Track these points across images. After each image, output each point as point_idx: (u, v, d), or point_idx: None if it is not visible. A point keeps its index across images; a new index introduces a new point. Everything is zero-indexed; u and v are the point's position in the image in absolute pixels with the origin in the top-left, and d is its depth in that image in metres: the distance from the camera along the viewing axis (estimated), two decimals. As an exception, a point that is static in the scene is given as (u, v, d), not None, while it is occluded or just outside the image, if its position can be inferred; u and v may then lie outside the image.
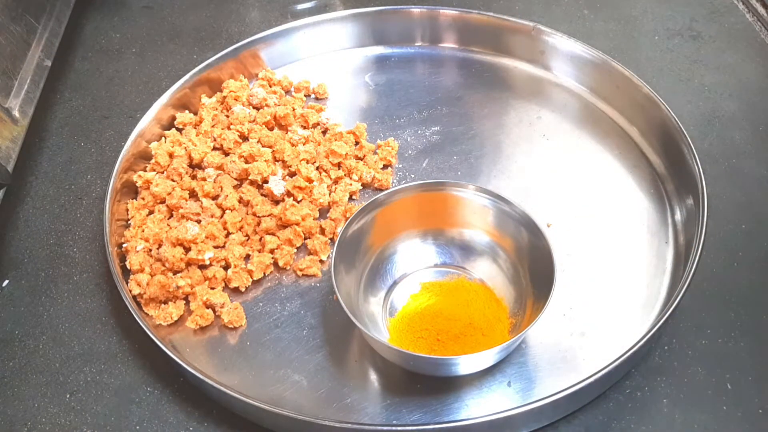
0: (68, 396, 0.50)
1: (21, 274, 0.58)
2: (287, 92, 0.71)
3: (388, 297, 0.54)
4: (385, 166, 0.64)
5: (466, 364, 0.48)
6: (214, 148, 0.64)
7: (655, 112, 0.63)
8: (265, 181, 0.60)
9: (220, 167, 0.62)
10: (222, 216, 0.59)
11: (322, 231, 0.59)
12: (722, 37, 0.76)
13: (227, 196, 0.59)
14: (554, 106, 0.69)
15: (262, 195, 0.60)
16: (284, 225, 0.58)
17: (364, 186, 0.63)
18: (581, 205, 0.61)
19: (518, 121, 0.68)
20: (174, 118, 0.67)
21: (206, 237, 0.56)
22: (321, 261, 0.57)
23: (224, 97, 0.68)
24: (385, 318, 0.53)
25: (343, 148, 0.63)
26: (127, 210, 0.60)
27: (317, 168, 0.62)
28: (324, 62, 0.74)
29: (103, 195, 0.59)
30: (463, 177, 0.63)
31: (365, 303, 0.52)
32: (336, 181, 0.62)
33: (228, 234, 0.58)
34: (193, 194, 0.61)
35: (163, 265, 0.55)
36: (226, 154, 0.63)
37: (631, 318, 0.53)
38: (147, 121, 0.64)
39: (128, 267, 0.55)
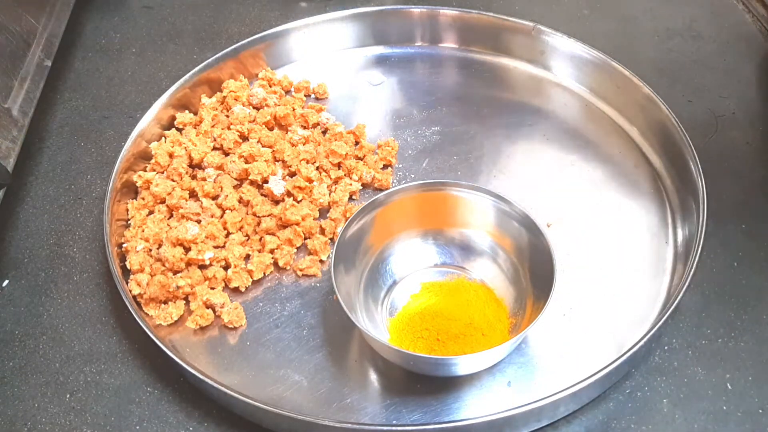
0: (68, 396, 0.50)
1: (21, 274, 0.58)
2: (287, 92, 0.71)
3: (388, 297, 0.54)
4: (385, 166, 0.64)
5: (466, 364, 0.48)
6: (214, 148, 0.64)
7: (655, 112, 0.64)
8: (265, 181, 0.60)
9: (220, 167, 0.62)
10: (222, 216, 0.59)
11: (322, 231, 0.59)
12: (722, 37, 0.76)
13: (227, 196, 0.59)
14: (554, 106, 0.69)
15: (262, 195, 0.60)
16: (284, 225, 0.58)
17: (364, 186, 0.63)
18: (581, 205, 0.61)
19: (518, 121, 0.68)
20: (174, 118, 0.67)
21: (206, 237, 0.56)
22: (321, 261, 0.57)
23: (224, 97, 0.68)
24: (385, 318, 0.53)
25: (343, 148, 0.63)
26: (127, 210, 0.60)
27: (317, 168, 0.62)
28: (324, 62, 0.74)
29: (103, 195, 0.59)
30: (463, 177, 0.63)
31: (365, 303, 0.52)
32: (336, 181, 0.62)
33: (228, 234, 0.58)
34: (193, 194, 0.61)
35: (163, 265, 0.55)
36: (226, 154, 0.63)
37: (631, 318, 0.53)
38: (147, 121, 0.64)
39: (128, 267, 0.55)
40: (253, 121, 0.66)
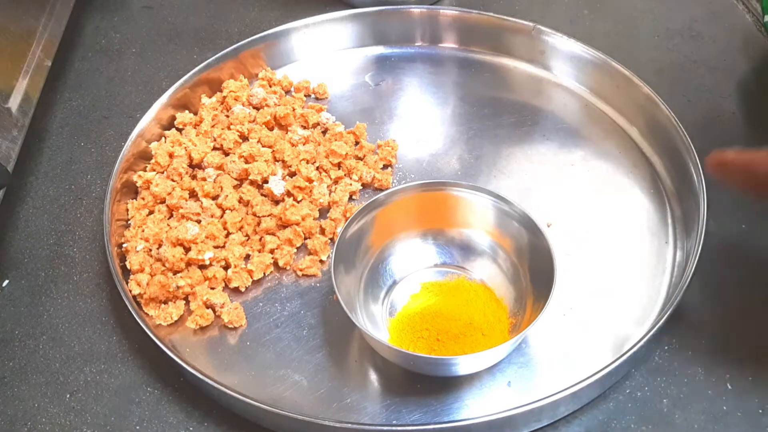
0: (68, 396, 0.50)
1: (21, 274, 0.58)
2: (287, 92, 0.71)
3: (388, 297, 0.54)
4: (385, 166, 0.64)
5: (466, 364, 0.48)
6: (214, 148, 0.64)
7: (655, 112, 0.64)
8: (265, 181, 0.60)
9: (220, 167, 0.62)
10: (222, 216, 0.59)
11: (322, 231, 0.59)
12: (722, 37, 0.76)
13: (227, 196, 0.59)
14: (554, 106, 0.69)
15: (262, 195, 0.60)
16: (284, 225, 0.58)
17: (364, 186, 0.63)
18: (581, 205, 0.61)
19: (518, 121, 0.68)
20: (174, 118, 0.67)
21: (206, 237, 0.56)
22: (321, 261, 0.57)
23: (224, 97, 0.68)
24: (385, 318, 0.53)
25: (343, 148, 0.63)
26: (127, 210, 0.60)
27: (317, 168, 0.62)
28: (324, 62, 0.74)
29: (103, 195, 0.59)
30: (463, 177, 0.63)
31: (365, 303, 0.52)
32: (336, 181, 0.62)
33: (228, 234, 0.58)
34: (193, 194, 0.61)
35: (163, 265, 0.55)
36: (226, 154, 0.63)
37: (631, 318, 0.53)
38: (147, 121, 0.64)
39: (128, 267, 0.55)
40: (253, 121, 0.66)
